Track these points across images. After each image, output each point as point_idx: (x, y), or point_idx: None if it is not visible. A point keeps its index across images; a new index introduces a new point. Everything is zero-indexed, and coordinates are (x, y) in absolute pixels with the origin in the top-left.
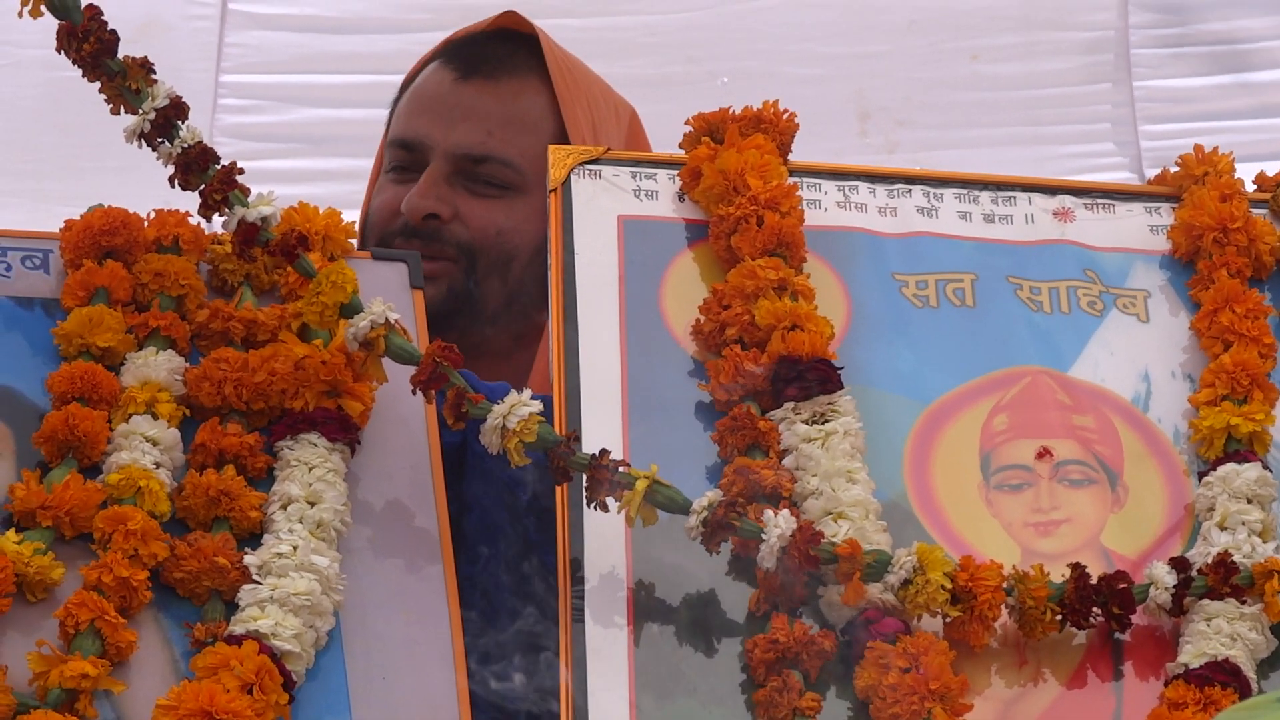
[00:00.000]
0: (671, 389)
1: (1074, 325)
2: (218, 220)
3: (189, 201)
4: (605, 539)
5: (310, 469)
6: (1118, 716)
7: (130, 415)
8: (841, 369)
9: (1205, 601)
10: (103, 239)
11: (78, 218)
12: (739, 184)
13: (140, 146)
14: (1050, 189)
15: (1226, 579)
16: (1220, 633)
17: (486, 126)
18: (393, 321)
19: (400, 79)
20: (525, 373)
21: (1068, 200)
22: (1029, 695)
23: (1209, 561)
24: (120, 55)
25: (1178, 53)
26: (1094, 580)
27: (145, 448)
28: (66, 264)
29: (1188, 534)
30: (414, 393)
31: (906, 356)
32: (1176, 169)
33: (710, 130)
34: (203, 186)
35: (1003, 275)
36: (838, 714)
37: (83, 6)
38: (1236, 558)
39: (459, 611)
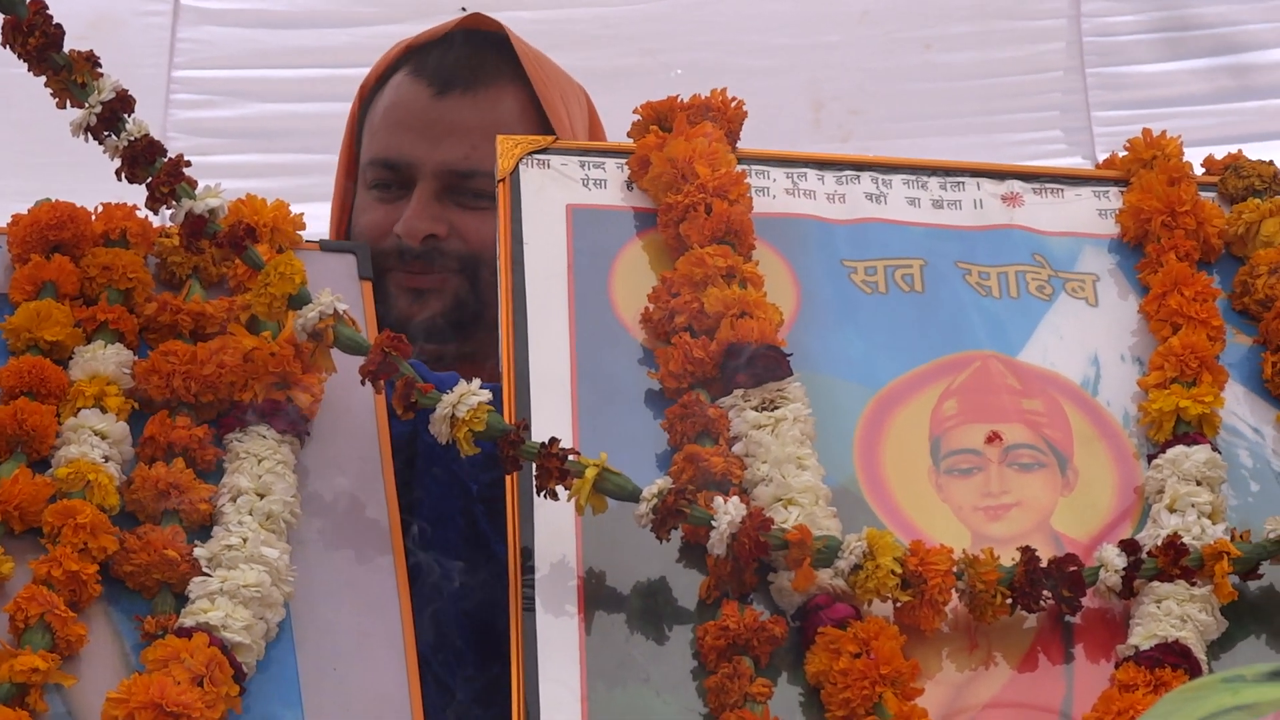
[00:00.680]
0: (621, 377)
1: (1023, 310)
2: (166, 213)
3: (141, 194)
4: (555, 528)
5: (259, 461)
6: (1069, 699)
7: (79, 409)
8: (791, 355)
9: (1155, 584)
10: (50, 233)
11: (25, 212)
12: (687, 172)
13: (87, 140)
14: (998, 174)
15: (1176, 561)
16: (1170, 615)
17: (470, 140)
18: (341, 312)
19: (352, 72)
20: None
21: (1016, 185)
22: (980, 679)
23: (1159, 544)
24: (66, 49)
25: (1131, 40)
26: (1044, 563)
27: (94, 441)
28: (14, 258)
29: (1137, 517)
30: (363, 383)
31: (856, 342)
32: (1125, 153)
33: (658, 118)
34: (150, 179)
35: (951, 260)
36: (789, 700)
37: (28, 1)
38: (1186, 540)
39: (409, 601)
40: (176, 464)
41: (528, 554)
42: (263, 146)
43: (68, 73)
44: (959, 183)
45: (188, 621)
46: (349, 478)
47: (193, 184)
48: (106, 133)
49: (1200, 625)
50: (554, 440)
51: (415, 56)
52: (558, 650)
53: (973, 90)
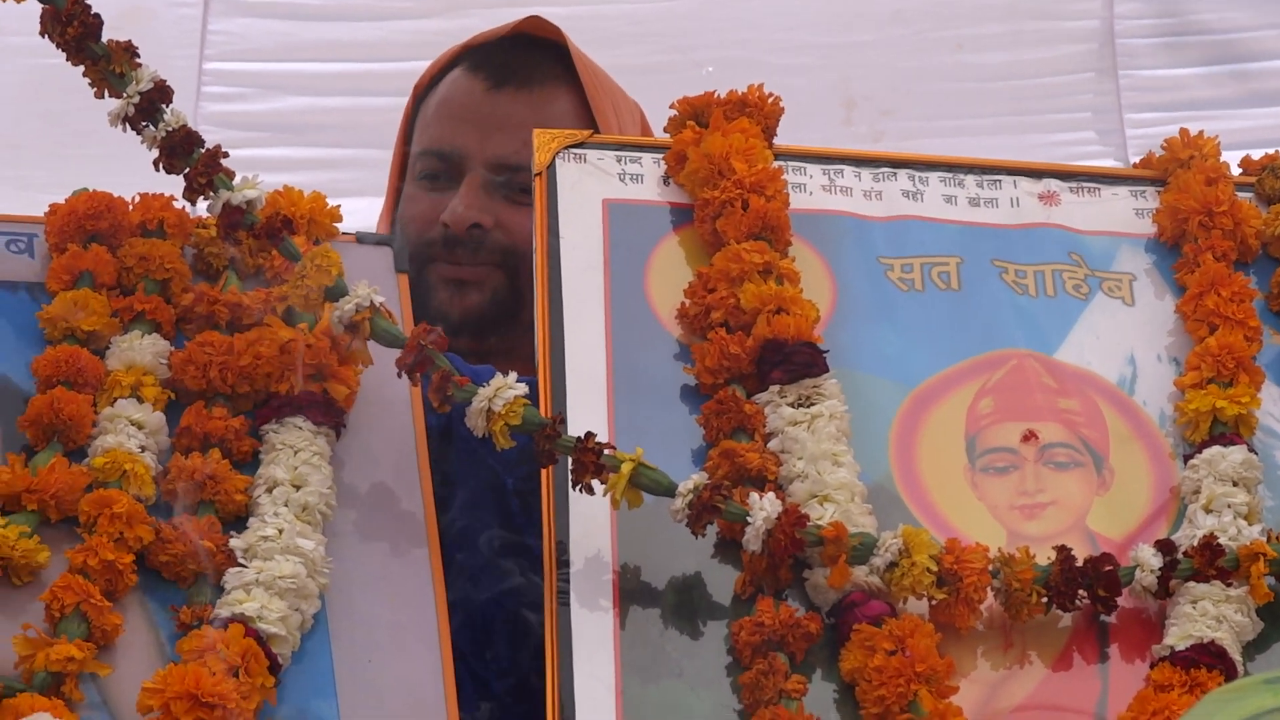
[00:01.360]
0: (657, 372)
1: (1059, 308)
2: (203, 204)
3: (173, 186)
4: (590, 522)
5: (295, 452)
6: (1103, 699)
7: (115, 399)
8: (827, 352)
9: (1191, 584)
10: (87, 223)
11: (62, 202)
12: (724, 167)
13: (125, 130)
14: (1035, 173)
15: (1212, 561)
16: (1206, 615)
17: (521, 135)
18: (378, 304)
19: (384, 67)
20: None
21: (1053, 184)
22: (1015, 677)
23: (1194, 544)
24: (104, 39)
25: (1164, 42)
26: (1080, 563)
27: (130, 431)
28: (51, 248)
29: (1173, 517)
30: (399, 376)
31: (892, 340)
32: (1161, 153)
33: (695, 114)
34: (187, 170)
35: (988, 259)
36: (823, 696)
37: None
38: (1222, 540)
39: (444, 594)
40: (213, 455)
41: (563, 548)
42: (293, 140)
43: (106, 62)
44: (996, 181)
45: (223, 612)
46: (384, 470)
47: (230, 175)
48: (144, 123)
49: (1236, 626)
50: (590, 435)
51: (472, 54)
52: (592, 645)
53: (1004, 91)
